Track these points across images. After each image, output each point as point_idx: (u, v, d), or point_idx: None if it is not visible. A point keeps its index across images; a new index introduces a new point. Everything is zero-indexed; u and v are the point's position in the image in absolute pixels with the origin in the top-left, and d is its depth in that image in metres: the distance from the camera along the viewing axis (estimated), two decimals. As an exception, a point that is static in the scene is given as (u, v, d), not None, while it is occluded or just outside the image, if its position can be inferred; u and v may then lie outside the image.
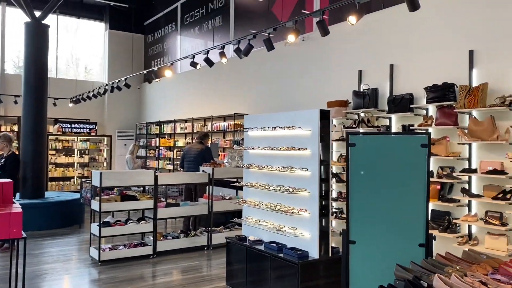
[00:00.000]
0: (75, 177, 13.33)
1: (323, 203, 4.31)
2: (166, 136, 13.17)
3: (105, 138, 13.96)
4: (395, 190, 3.04)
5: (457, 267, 2.58)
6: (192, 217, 7.23)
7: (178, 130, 12.48)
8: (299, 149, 4.34)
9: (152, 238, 6.23)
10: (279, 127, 4.55)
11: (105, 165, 13.80)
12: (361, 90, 7.05)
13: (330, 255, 4.33)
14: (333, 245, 4.55)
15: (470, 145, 5.55)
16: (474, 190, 5.50)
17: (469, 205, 5.53)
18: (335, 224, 7.00)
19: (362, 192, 3.11)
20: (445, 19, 6.00)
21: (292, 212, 4.33)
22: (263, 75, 9.43)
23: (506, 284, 2.31)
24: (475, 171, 5.42)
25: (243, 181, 5.30)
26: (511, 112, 5.11)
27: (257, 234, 4.96)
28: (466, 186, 5.57)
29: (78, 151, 13.53)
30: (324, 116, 4.28)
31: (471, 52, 5.66)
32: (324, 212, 4.29)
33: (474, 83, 5.60)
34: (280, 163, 4.65)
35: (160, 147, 13.32)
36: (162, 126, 13.33)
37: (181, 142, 12.34)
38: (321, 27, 4.61)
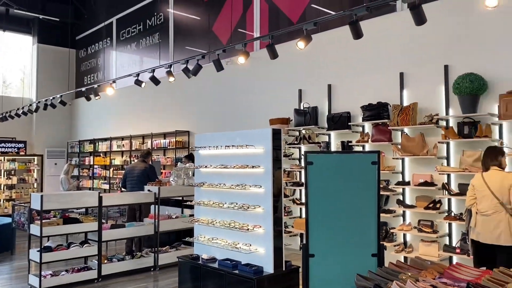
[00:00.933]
0: (2, 200, 12.38)
1: (276, 218, 4.47)
2: (101, 154, 12.71)
3: (36, 158, 13.14)
4: (350, 204, 3.28)
5: (409, 273, 2.85)
6: (136, 238, 7.06)
7: (114, 148, 12.11)
8: (252, 166, 4.49)
9: (96, 262, 6.00)
10: (233, 145, 4.67)
11: (35, 186, 12.97)
12: (302, 108, 7.41)
13: (284, 269, 4.49)
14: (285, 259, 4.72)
15: (403, 159, 6.06)
16: (408, 201, 5.99)
17: (403, 215, 6.01)
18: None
19: (320, 207, 3.32)
20: (378, 44, 6.53)
21: (248, 229, 4.44)
22: (205, 92, 9.52)
23: (453, 287, 2.61)
24: (408, 183, 5.92)
25: (194, 200, 5.32)
26: (438, 129, 5.68)
27: (210, 252, 5.00)
28: (401, 198, 6.05)
29: (5, 172, 12.60)
30: (276, 135, 4.47)
31: (401, 74, 6.22)
32: (277, 227, 4.46)
33: (405, 103, 6.15)
34: (234, 181, 4.76)
35: (95, 166, 12.81)
36: (97, 144, 12.86)
37: (118, 161, 11.97)
38: (270, 50, 4.84)
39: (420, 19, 3.69)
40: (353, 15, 4.15)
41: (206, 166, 5.06)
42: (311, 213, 3.39)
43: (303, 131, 7.34)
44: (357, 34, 4.13)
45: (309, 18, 8.48)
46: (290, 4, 8.32)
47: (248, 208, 4.47)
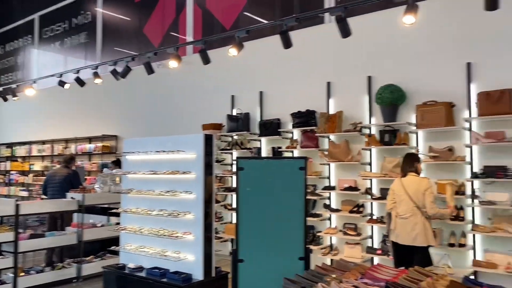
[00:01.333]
0: None
1: (206, 224, 4.44)
2: (19, 159, 11.82)
3: None
4: (278, 209, 3.35)
5: (333, 275, 2.96)
6: (58, 248, 6.64)
7: (34, 153, 11.32)
8: (183, 172, 4.42)
9: (11, 275, 5.54)
10: (163, 151, 4.57)
11: None
12: (235, 114, 7.45)
13: (213, 275, 4.46)
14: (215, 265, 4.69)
15: (329, 165, 6.30)
16: (334, 205, 6.24)
17: (330, 218, 6.24)
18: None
19: (250, 212, 3.35)
20: (308, 54, 6.75)
21: (177, 236, 4.36)
22: (136, 96, 9.23)
23: (373, 287, 2.75)
24: (334, 188, 6.16)
25: (121, 207, 5.13)
26: (361, 136, 5.98)
27: (137, 261, 4.84)
28: (327, 202, 6.28)
29: None
30: (208, 141, 4.45)
31: (328, 84, 6.48)
32: (207, 233, 4.42)
33: (332, 111, 6.41)
34: (164, 187, 4.65)
35: (12, 172, 11.88)
36: (14, 148, 11.94)
37: (38, 166, 11.22)
38: (202, 56, 4.82)
39: (345, 31, 3.88)
40: (284, 25, 4.27)
41: (134, 172, 4.90)
42: (241, 218, 3.41)
43: (236, 137, 7.38)
44: (287, 43, 4.25)
45: (242, 25, 8.56)
46: (223, 11, 8.36)
47: (178, 215, 4.40)
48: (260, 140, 7.13)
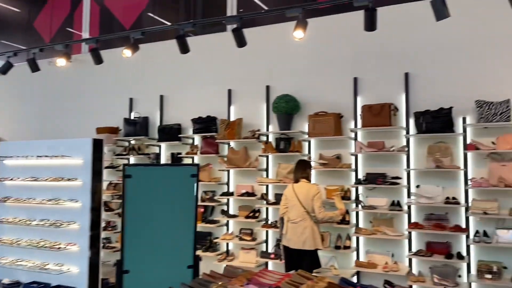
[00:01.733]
0: None
1: (93, 234, 4.20)
2: None
3: None
4: (167, 218, 3.28)
5: (220, 283, 2.97)
6: None
7: None
8: (69, 179, 4.14)
9: None
10: (46, 155, 4.23)
11: None
12: (132, 118, 7.19)
13: (100, 287, 4.23)
14: (102, 276, 4.45)
15: (228, 171, 6.36)
16: (232, 211, 6.30)
17: (227, 224, 6.28)
18: (103, 255, 6.78)
19: (137, 221, 3.22)
20: (210, 60, 6.76)
21: (59, 248, 4.05)
22: (22, 94, 8.44)
23: (256, 291, 2.81)
24: (232, 194, 6.23)
25: (-4, 217, 4.64)
26: (259, 143, 6.13)
27: (14, 275, 4.41)
28: (225, 208, 6.33)
29: None
30: (97, 145, 4.22)
31: (229, 91, 6.55)
32: (94, 243, 4.18)
33: (232, 118, 6.49)
34: (46, 195, 4.31)
35: None
36: None
37: None
38: (94, 55, 4.57)
39: (240, 41, 3.95)
40: (180, 29, 4.22)
41: (12, 179, 4.46)
42: (127, 228, 3.28)
43: (133, 142, 7.11)
44: (184, 48, 4.20)
45: (143, 25, 8.33)
46: (123, 9, 8.04)
47: (61, 225, 4.10)
48: (159, 146, 6.96)
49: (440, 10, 3.29)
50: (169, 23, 7.56)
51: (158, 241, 3.30)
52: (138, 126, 7.03)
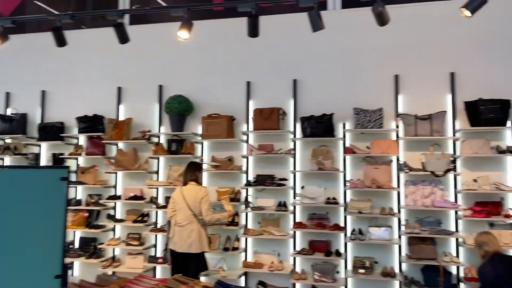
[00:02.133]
0: None
1: None
2: None
3: None
4: (31, 226, 2.97)
5: (90, 293, 2.79)
6: None
7: None
8: None
9: None
10: None
11: None
12: (8, 114, 6.52)
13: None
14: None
15: (116, 173, 6.05)
16: (119, 215, 6.00)
17: (114, 229, 5.97)
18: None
19: (-7, 230, 2.87)
20: (97, 55, 6.38)
21: None
22: None
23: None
24: (119, 197, 5.94)
25: None
26: (149, 145, 5.93)
27: None
28: (112, 212, 6.01)
29: None
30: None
31: (119, 89, 6.25)
32: None
33: (122, 117, 6.19)
34: None
35: None
36: None
37: None
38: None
39: (123, 37, 3.78)
40: (57, 21, 3.90)
41: None
42: (-19, 237, 2.91)
43: (9, 141, 6.45)
44: (61, 41, 3.89)
45: (27, 13, 7.67)
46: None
47: None
48: (39, 145, 6.39)
49: (315, 21, 3.46)
50: (56, 12, 7.00)
51: (20, 251, 2.98)
52: (15, 124, 6.39)
